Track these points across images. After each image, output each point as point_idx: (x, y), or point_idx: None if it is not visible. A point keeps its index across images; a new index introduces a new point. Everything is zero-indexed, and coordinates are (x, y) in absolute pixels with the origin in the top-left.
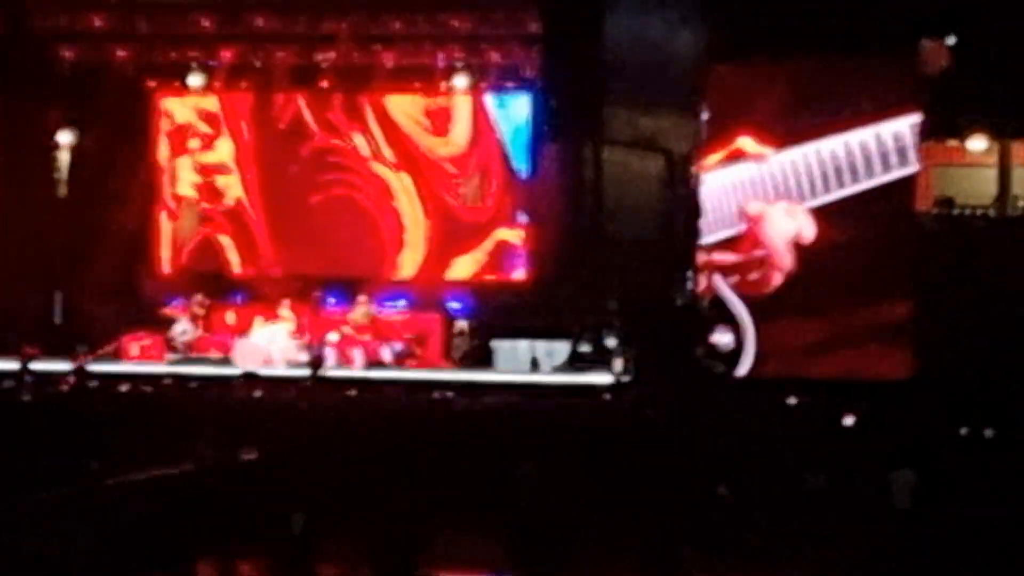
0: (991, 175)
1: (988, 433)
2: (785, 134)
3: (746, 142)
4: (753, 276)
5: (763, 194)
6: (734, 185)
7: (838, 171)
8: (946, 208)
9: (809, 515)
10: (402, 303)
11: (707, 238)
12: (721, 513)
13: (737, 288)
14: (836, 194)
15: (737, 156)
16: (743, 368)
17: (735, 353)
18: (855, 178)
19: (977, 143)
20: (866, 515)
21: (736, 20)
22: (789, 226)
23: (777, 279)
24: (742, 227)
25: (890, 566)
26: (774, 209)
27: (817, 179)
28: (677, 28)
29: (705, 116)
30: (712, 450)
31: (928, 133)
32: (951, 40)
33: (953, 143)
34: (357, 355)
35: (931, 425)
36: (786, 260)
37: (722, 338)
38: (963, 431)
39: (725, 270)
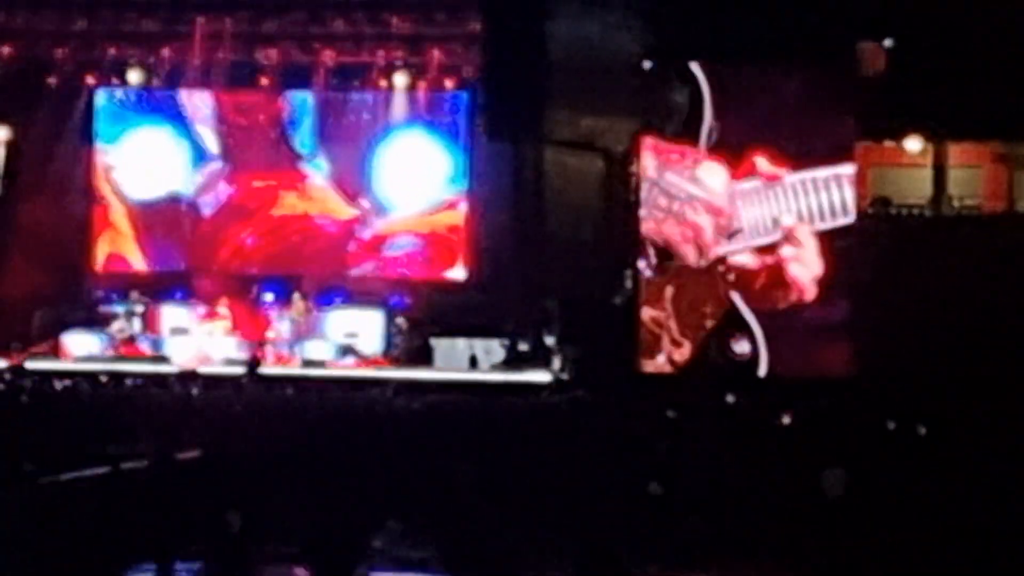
0: (927, 175)
1: (921, 430)
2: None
3: (761, 160)
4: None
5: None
6: (767, 196)
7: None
8: (882, 208)
9: (743, 513)
10: (339, 300)
11: (736, 245)
12: (655, 511)
13: (750, 301)
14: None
15: (750, 172)
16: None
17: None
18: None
19: (913, 144)
20: (798, 512)
21: (675, 23)
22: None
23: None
24: (776, 236)
25: (823, 561)
26: (809, 241)
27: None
28: (617, 30)
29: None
30: (649, 448)
31: (865, 134)
32: (888, 43)
33: (889, 144)
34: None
35: (868, 422)
36: (810, 291)
37: (741, 347)
38: (892, 426)
39: (743, 280)
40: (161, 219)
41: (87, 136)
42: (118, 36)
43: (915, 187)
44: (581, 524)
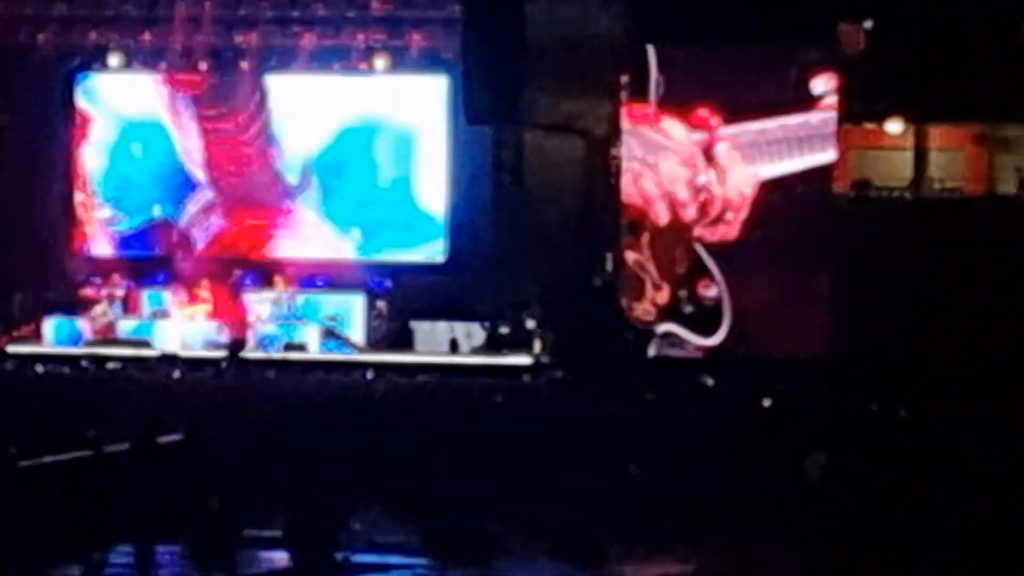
0: (908, 157)
1: (903, 412)
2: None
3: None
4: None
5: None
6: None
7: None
8: (863, 190)
9: (723, 495)
10: (321, 284)
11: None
12: (635, 493)
13: (702, 240)
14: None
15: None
16: (721, 331)
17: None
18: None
19: (894, 126)
20: (779, 494)
21: (655, 5)
22: (747, 174)
23: (736, 228)
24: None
25: (803, 544)
26: (732, 161)
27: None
28: (597, 11)
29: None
30: (629, 431)
31: (846, 116)
32: (868, 24)
33: (870, 126)
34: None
35: (850, 405)
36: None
37: (708, 292)
38: (874, 408)
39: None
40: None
41: (68, 121)
42: (99, 20)
43: (896, 169)
44: (562, 506)
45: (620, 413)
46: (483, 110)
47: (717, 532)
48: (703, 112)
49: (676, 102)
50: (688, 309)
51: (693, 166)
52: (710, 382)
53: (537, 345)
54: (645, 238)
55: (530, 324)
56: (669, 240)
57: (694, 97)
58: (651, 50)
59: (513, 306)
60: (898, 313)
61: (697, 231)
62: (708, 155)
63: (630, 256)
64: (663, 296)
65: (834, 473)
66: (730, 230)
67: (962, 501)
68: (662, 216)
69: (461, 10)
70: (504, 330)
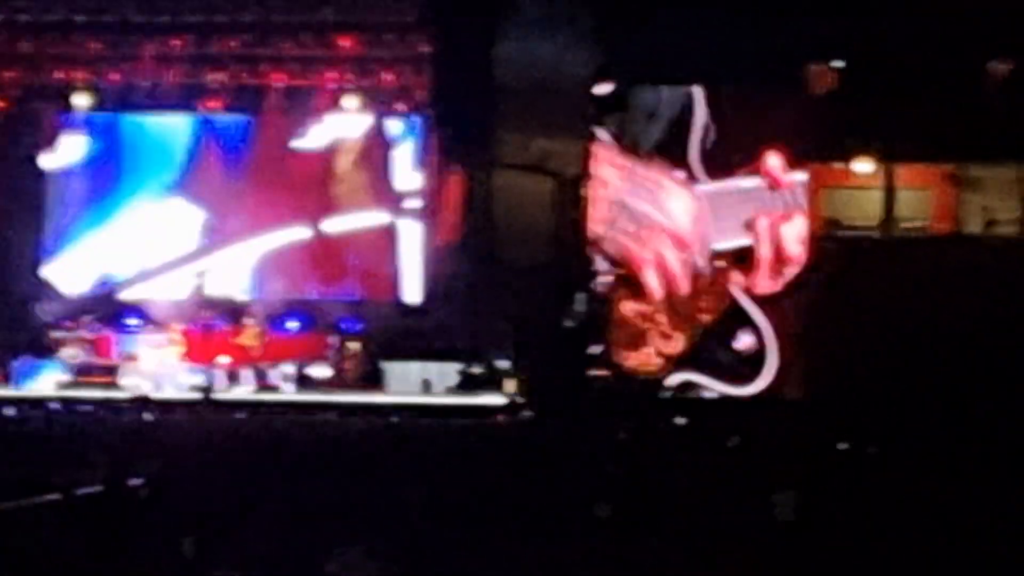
0: (876, 197)
1: (871, 450)
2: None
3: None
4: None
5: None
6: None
7: None
8: (833, 229)
9: (696, 535)
10: (295, 324)
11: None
12: (606, 533)
13: (749, 291)
14: None
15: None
16: (767, 375)
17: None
18: None
19: (863, 165)
20: (750, 534)
21: (624, 45)
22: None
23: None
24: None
25: None
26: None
27: None
28: (567, 51)
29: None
30: (601, 469)
31: (814, 155)
32: (836, 64)
33: (839, 165)
34: (247, 377)
35: (819, 444)
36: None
37: (745, 341)
38: (843, 447)
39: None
40: None
41: (35, 161)
42: (65, 59)
43: (865, 209)
44: (536, 545)
45: (592, 452)
46: (454, 149)
47: (689, 570)
48: (771, 159)
49: (730, 149)
50: (720, 357)
51: (686, 246)
52: (681, 421)
53: (510, 385)
54: (657, 288)
55: (503, 364)
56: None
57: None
58: (698, 93)
59: (486, 346)
60: (867, 351)
61: (750, 282)
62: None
63: (628, 307)
64: (674, 346)
65: (804, 512)
66: (777, 284)
67: (933, 538)
68: (655, 286)
69: (431, 51)
70: (477, 370)
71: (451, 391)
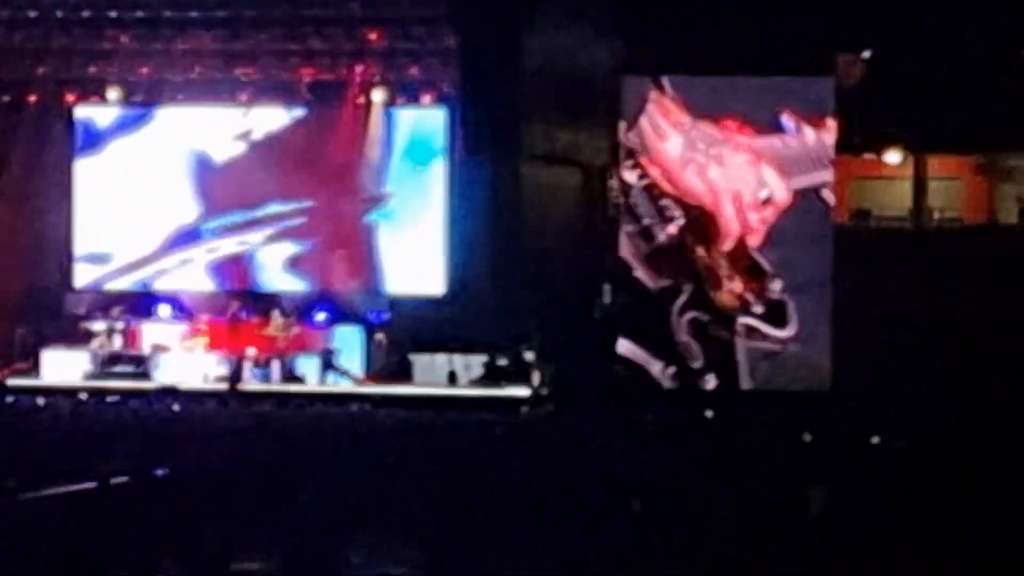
0: (907, 188)
1: (900, 444)
2: None
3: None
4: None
5: None
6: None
7: None
8: (863, 220)
9: (725, 528)
10: (323, 316)
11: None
12: (636, 528)
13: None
14: None
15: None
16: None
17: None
18: None
19: (893, 156)
20: (781, 527)
21: (650, 36)
22: None
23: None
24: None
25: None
26: None
27: None
28: (593, 43)
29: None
30: (629, 463)
31: (845, 147)
32: (867, 55)
33: (870, 156)
34: (274, 368)
35: (849, 437)
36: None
37: (775, 285)
38: (875, 440)
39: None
40: None
41: (67, 154)
42: (96, 54)
43: (895, 199)
44: (560, 539)
45: (618, 445)
46: (481, 141)
47: (717, 564)
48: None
49: None
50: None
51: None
52: (710, 414)
53: (535, 377)
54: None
55: (529, 356)
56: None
57: None
58: None
59: (512, 338)
60: (898, 343)
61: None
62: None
63: (700, 253)
64: (738, 285)
65: (835, 506)
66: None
67: (962, 532)
68: (731, 220)
69: (458, 43)
70: (503, 362)
71: (477, 383)
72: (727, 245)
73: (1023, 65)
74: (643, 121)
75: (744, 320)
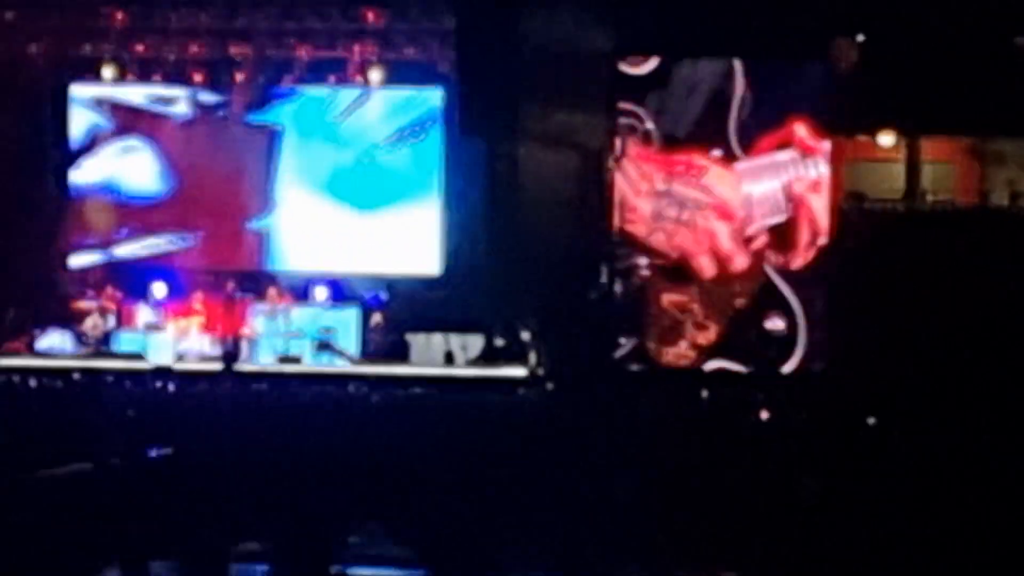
0: (900, 170)
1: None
2: None
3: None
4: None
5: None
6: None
7: None
8: (856, 202)
9: (722, 511)
10: (322, 293)
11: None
12: (631, 509)
13: (785, 268)
14: None
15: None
16: (796, 356)
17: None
18: None
19: (886, 139)
20: (776, 511)
21: (649, 18)
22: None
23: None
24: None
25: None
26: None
27: None
28: (591, 24)
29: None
30: (624, 445)
31: (838, 129)
32: (860, 38)
33: (863, 138)
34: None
35: (843, 418)
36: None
37: (775, 324)
38: (871, 421)
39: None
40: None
41: (61, 133)
42: (91, 32)
43: (889, 182)
44: (559, 520)
45: (614, 426)
46: (477, 122)
47: (712, 548)
48: (799, 129)
49: (767, 120)
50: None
51: (734, 217)
52: (705, 395)
53: (532, 357)
54: (689, 282)
55: (525, 336)
56: (729, 277)
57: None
58: (737, 64)
59: (509, 318)
60: (892, 325)
61: (783, 260)
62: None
63: (667, 299)
64: (708, 335)
65: (830, 490)
66: (808, 258)
67: (955, 516)
68: (707, 269)
69: (455, 22)
70: (499, 342)
71: (473, 363)
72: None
73: (1017, 50)
74: (618, 178)
75: None
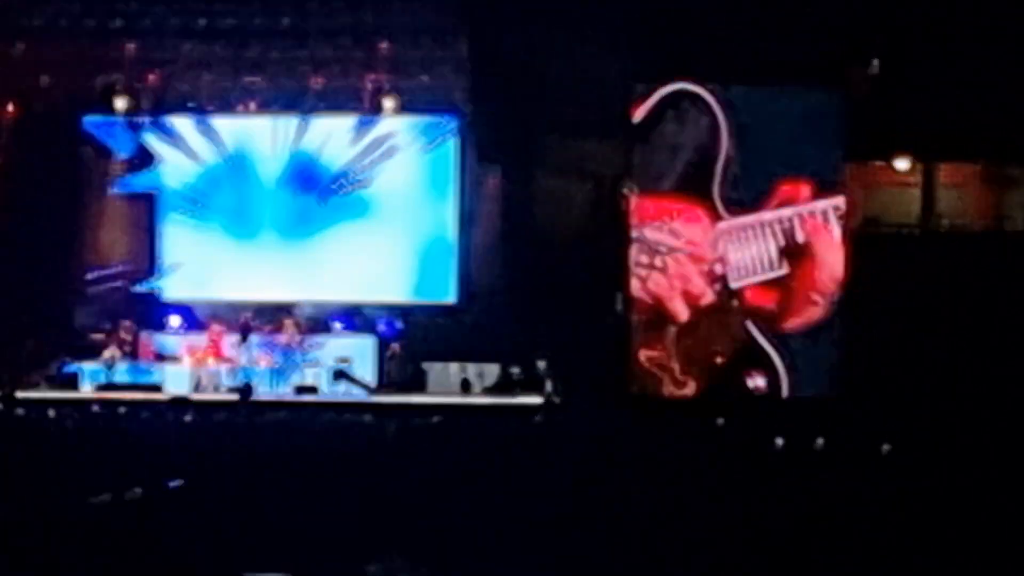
0: (916, 195)
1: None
2: None
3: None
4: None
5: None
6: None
7: None
8: (872, 227)
9: (733, 539)
10: (338, 325)
11: (741, 281)
12: (647, 536)
13: (775, 328)
14: None
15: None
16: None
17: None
18: None
19: (902, 164)
20: (791, 538)
21: (664, 46)
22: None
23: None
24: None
25: None
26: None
27: None
28: (606, 53)
29: None
30: (638, 473)
31: (853, 155)
32: (876, 65)
33: (879, 164)
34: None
35: (858, 444)
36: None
37: (756, 382)
38: (886, 448)
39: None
40: None
41: (74, 164)
42: (103, 63)
43: (904, 206)
44: (576, 546)
45: (630, 453)
46: (492, 150)
47: (727, 570)
48: (788, 186)
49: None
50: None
51: (704, 259)
52: (720, 422)
53: (548, 385)
54: (669, 334)
55: (541, 364)
56: (708, 333)
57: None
58: (724, 124)
59: (524, 347)
60: (907, 351)
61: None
62: (792, 235)
63: (644, 354)
64: (687, 391)
65: (843, 515)
66: (817, 311)
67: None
68: (681, 313)
69: (469, 51)
70: (515, 370)
71: (490, 391)
72: None
73: None
74: None
75: None
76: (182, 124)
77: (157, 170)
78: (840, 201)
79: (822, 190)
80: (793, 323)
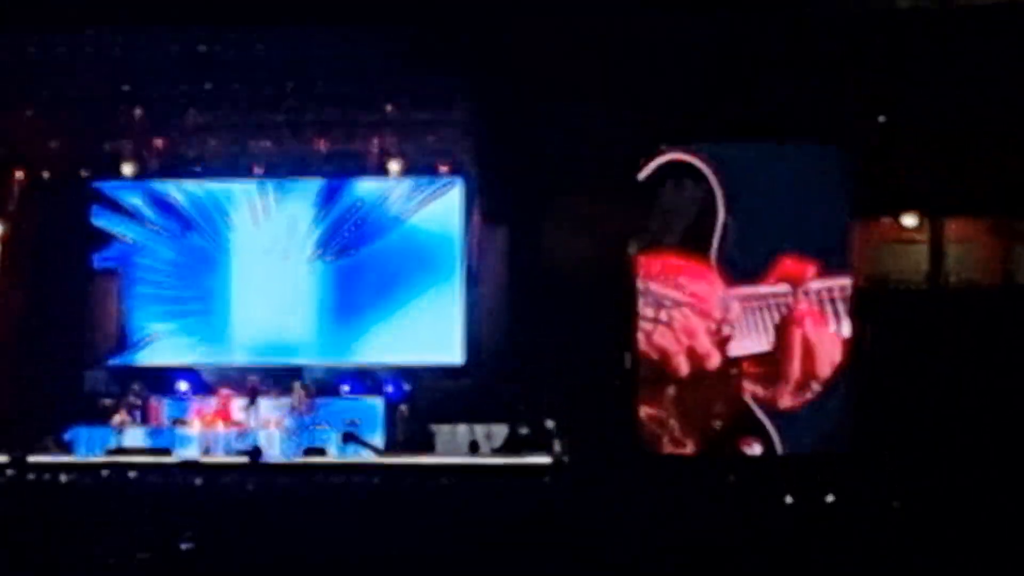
0: (923, 251)
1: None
2: None
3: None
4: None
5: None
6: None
7: None
8: (879, 284)
9: None
10: (345, 388)
11: (740, 350)
12: None
13: (768, 401)
14: None
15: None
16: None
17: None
18: None
19: (909, 219)
20: None
21: (670, 107)
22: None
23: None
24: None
25: None
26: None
27: None
28: (610, 113)
29: None
30: (648, 530)
31: (860, 211)
32: (882, 119)
33: (886, 220)
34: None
35: (870, 501)
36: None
37: (752, 450)
38: (896, 504)
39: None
40: None
41: (82, 230)
42: (110, 129)
43: (912, 262)
44: None
45: (641, 512)
46: (498, 211)
47: None
48: (791, 262)
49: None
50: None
51: (711, 316)
52: (732, 479)
53: (557, 445)
54: (669, 392)
55: (549, 424)
56: (707, 394)
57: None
58: (719, 192)
59: (532, 406)
60: (916, 407)
61: (768, 394)
62: (788, 317)
63: (645, 411)
64: (686, 451)
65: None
66: (812, 395)
67: None
68: (683, 367)
69: (474, 112)
70: (524, 430)
71: (498, 452)
72: None
73: None
74: None
75: None
76: (179, 192)
77: (134, 244)
78: (846, 283)
79: (827, 269)
80: (786, 403)
